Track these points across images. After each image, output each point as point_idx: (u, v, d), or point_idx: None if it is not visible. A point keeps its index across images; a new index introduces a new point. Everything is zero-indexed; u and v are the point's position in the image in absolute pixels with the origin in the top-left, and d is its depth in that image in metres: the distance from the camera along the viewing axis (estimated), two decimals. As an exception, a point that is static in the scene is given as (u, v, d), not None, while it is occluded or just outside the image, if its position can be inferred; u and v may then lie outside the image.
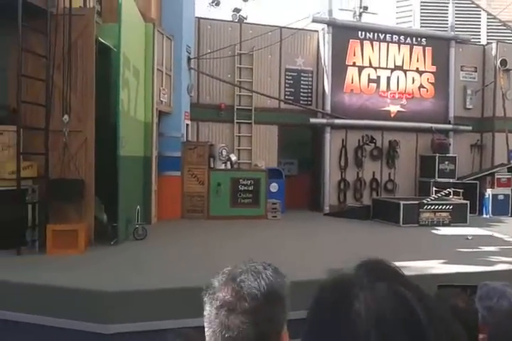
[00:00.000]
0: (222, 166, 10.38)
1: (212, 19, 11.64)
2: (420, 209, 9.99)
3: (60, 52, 6.81)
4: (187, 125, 10.46)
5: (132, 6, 7.88)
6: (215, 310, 1.02)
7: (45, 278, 5.12)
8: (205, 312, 1.05)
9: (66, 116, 6.78)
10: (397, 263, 0.84)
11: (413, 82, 12.40)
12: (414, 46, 12.38)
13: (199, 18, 11.16)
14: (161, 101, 9.44)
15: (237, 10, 12.39)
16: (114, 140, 7.02)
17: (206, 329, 1.04)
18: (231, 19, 12.12)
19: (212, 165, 10.21)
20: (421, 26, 14.87)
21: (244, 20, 12.18)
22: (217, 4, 12.92)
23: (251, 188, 10.29)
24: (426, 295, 0.76)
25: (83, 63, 6.93)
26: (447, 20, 13.26)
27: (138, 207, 7.80)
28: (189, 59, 10.45)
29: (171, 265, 5.96)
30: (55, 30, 6.77)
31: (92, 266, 5.74)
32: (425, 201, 10.15)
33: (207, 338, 1.05)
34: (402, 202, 9.99)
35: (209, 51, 11.08)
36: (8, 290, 4.98)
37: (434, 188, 11.39)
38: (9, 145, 6.61)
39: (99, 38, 7.39)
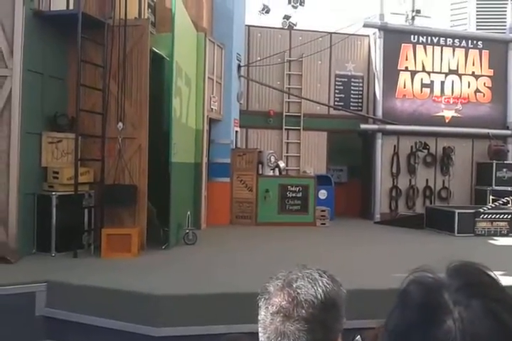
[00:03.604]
0: (271, 173, 10.39)
1: (262, 27, 11.73)
2: (476, 219, 9.59)
3: (116, 61, 7.06)
4: (236, 132, 10.57)
5: (185, 16, 8.06)
6: (271, 316, 1.01)
7: (99, 281, 5.29)
8: (260, 317, 1.04)
9: (120, 124, 7.01)
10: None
11: (469, 87, 11.98)
12: (470, 49, 11.98)
13: (249, 26, 11.28)
14: (212, 108, 9.58)
15: (287, 17, 12.39)
16: (166, 146, 7.18)
17: (261, 335, 1.03)
18: (281, 26, 12.14)
19: (260, 172, 10.24)
20: (477, 29, 14.35)
21: (294, 27, 12.18)
22: (268, 12, 12.98)
23: (299, 195, 10.23)
24: None
25: (137, 72, 7.15)
26: (505, 22, 12.75)
27: (188, 212, 7.93)
28: (239, 67, 10.57)
29: (222, 270, 5.99)
30: (112, 41, 7.03)
31: (145, 270, 5.87)
32: (482, 210, 9.74)
33: (261, 344, 1.04)
34: (457, 211, 9.63)
35: (259, 58, 11.17)
36: (64, 292, 5.17)
37: (491, 197, 10.92)
38: (68, 152, 6.90)
39: (153, 48, 7.61)
